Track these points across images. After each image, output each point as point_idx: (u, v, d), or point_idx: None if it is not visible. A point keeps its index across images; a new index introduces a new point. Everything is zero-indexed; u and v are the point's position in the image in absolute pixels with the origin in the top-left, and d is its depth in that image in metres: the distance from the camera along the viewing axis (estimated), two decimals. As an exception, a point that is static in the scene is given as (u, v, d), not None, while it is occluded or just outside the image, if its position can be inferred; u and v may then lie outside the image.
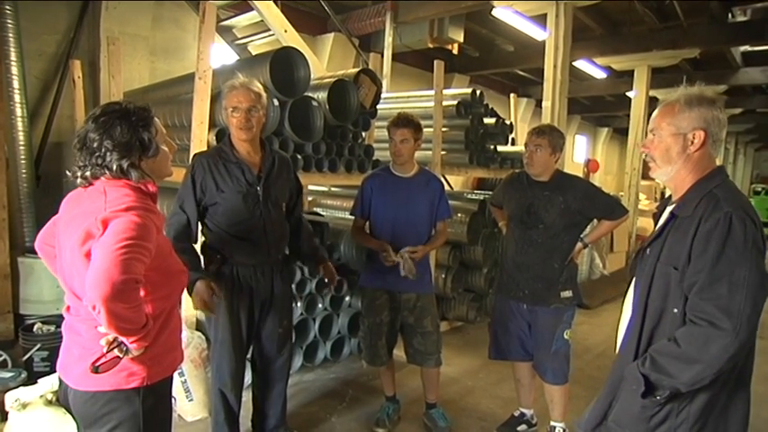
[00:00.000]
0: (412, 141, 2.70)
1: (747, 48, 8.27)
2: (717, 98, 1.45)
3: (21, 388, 2.20)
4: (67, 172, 1.50)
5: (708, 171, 1.46)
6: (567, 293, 2.64)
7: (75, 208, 1.48)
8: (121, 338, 1.38)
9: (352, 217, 2.92)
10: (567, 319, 2.65)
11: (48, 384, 2.19)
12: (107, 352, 1.39)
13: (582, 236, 2.73)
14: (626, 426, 1.48)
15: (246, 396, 2.62)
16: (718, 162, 1.52)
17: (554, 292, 2.62)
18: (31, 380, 2.51)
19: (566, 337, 2.64)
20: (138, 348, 1.41)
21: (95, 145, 1.43)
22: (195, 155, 2.45)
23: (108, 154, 1.43)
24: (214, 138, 3.18)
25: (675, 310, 1.40)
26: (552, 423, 2.77)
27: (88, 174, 1.45)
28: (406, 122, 2.69)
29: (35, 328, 3.29)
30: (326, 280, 2.74)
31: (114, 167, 1.44)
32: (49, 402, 2.15)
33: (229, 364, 2.37)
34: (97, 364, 1.38)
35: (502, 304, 2.79)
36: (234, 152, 2.32)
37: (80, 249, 1.37)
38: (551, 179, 2.65)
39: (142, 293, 1.39)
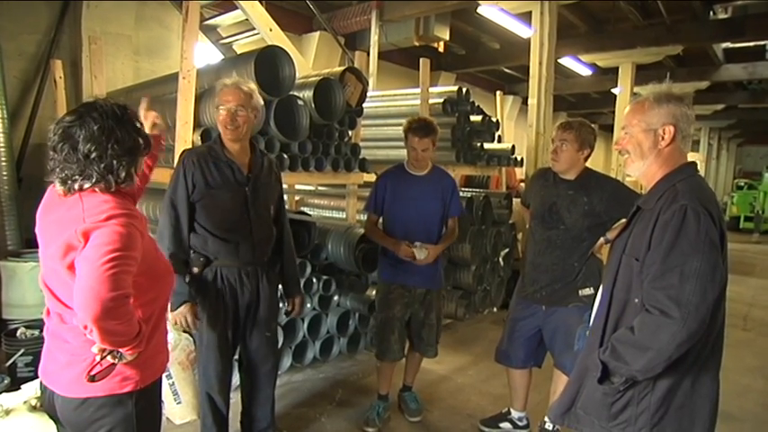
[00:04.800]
0: (431, 147, 2.72)
1: (729, 44, 8.41)
2: (684, 95, 1.51)
3: (4, 394, 2.17)
4: (59, 185, 1.36)
5: (676, 166, 1.50)
6: (588, 291, 2.47)
7: (50, 214, 1.41)
8: None
9: (344, 216, 2.93)
10: (588, 319, 2.43)
11: (31, 390, 2.16)
12: (101, 360, 1.36)
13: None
14: (591, 412, 1.53)
15: (235, 397, 2.60)
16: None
17: (571, 290, 2.49)
18: (15, 385, 2.47)
19: None
20: (132, 354, 1.39)
21: (95, 154, 1.32)
22: (184, 151, 2.38)
23: (115, 161, 1.35)
24: (199, 138, 3.15)
25: (636, 300, 1.45)
26: (546, 419, 2.70)
27: (88, 185, 1.34)
28: (427, 131, 2.68)
29: (18, 333, 3.24)
30: (290, 310, 2.63)
31: (123, 174, 1.37)
32: (33, 408, 2.12)
33: (215, 368, 2.34)
34: (93, 372, 1.35)
35: (518, 307, 2.70)
36: (224, 151, 2.27)
37: (61, 262, 1.31)
38: (578, 177, 2.50)
39: (131, 301, 1.36)
